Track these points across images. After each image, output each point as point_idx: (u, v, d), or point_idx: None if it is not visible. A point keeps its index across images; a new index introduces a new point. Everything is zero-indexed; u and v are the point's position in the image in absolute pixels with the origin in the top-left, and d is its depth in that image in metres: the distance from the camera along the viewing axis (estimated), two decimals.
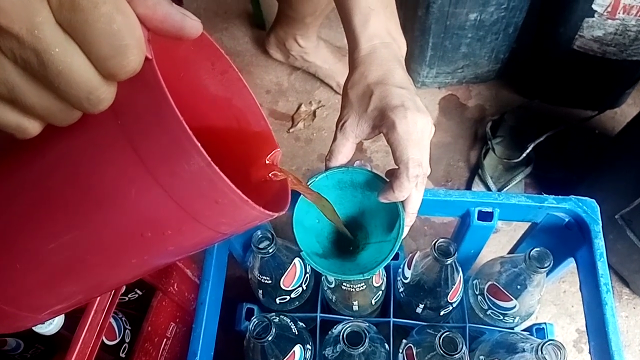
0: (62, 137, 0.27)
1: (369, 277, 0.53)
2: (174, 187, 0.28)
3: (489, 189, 1.08)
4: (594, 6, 0.93)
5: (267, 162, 0.42)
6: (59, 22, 0.21)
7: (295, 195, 0.50)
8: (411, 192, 0.45)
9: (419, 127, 0.43)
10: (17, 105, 0.23)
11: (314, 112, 1.25)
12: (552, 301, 0.99)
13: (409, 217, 0.48)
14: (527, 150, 1.07)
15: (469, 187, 1.12)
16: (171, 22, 0.25)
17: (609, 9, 0.92)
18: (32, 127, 0.24)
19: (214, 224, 0.31)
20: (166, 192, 0.28)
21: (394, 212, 0.49)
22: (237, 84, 0.39)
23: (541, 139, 1.07)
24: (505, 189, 1.07)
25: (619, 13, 0.92)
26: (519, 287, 0.62)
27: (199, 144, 0.26)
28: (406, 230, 0.49)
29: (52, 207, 0.30)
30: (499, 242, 1.03)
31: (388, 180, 0.47)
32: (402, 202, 0.47)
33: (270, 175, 0.41)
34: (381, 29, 0.48)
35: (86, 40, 0.22)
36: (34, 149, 0.28)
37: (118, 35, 0.22)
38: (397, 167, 0.44)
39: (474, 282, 0.69)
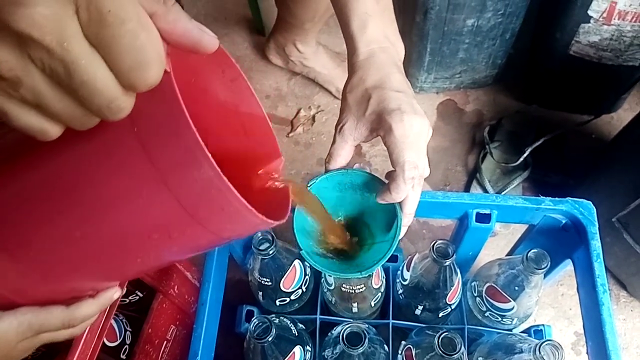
0: (80, 140, 0.29)
1: (366, 275, 0.54)
2: (182, 193, 0.29)
3: (487, 192, 1.09)
4: (589, 12, 0.94)
5: (269, 170, 0.44)
6: (86, 35, 0.22)
7: None
8: (408, 193, 0.46)
9: (415, 129, 0.44)
10: (41, 110, 0.24)
11: (313, 116, 1.25)
12: (550, 304, 1.00)
13: (407, 218, 0.49)
14: (525, 155, 1.08)
15: (467, 191, 1.12)
16: (189, 37, 0.27)
17: (605, 15, 0.93)
18: (54, 130, 0.26)
19: (217, 229, 0.33)
20: (175, 198, 0.29)
21: (391, 213, 0.49)
22: (246, 92, 0.40)
23: (538, 143, 1.08)
24: (503, 193, 1.08)
25: (614, 19, 0.93)
26: (516, 288, 0.62)
27: (210, 156, 0.27)
28: (404, 230, 0.49)
29: (65, 204, 0.31)
30: (497, 245, 1.04)
31: (386, 182, 0.47)
32: (400, 203, 0.48)
33: (271, 183, 0.42)
34: (379, 34, 0.49)
35: (111, 53, 0.23)
36: (50, 149, 0.29)
37: (141, 50, 0.23)
38: (394, 169, 0.45)
39: (473, 284, 0.70)
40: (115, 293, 0.44)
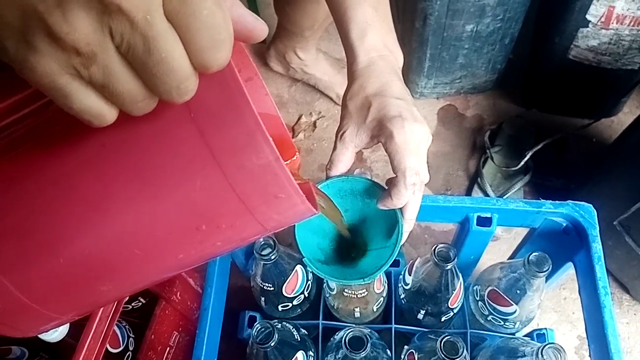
0: (132, 126, 0.27)
1: (369, 282, 0.54)
2: (239, 181, 0.28)
3: (488, 196, 1.09)
4: (588, 16, 0.94)
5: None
6: (166, 11, 0.22)
7: None
8: (409, 199, 0.47)
9: (416, 136, 0.44)
10: (104, 91, 0.23)
11: (314, 122, 1.26)
12: (553, 308, 1.00)
13: (408, 224, 0.49)
14: (525, 159, 1.08)
15: (468, 195, 1.13)
16: (244, 22, 0.26)
17: (603, 19, 0.94)
18: (111, 115, 0.24)
19: (265, 218, 0.32)
20: (230, 185, 0.28)
21: (392, 219, 0.50)
22: (261, 91, 0.40)
23: (539, 147, 1.09)
24: (504, 197, 1.08)
25: (612, 23, 0.94)
26: (518, 292, 0.63)
27: (271, 139, 0.26)
28: (405, 236, 0.50)
29: (112, 196, 0.30)
30: (499, 249, 1.04)
31: (387, 188, 0.48)
32: (401, 209, 0.48)
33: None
34: (378, 42, 0.50)
35: (189, 31, 0.22)
36: (99, 135, 0.28)
37: (218, 28, 0.23)
38: (395, 175, 0.45)
39: (475, 288, 0.70)
40: None
